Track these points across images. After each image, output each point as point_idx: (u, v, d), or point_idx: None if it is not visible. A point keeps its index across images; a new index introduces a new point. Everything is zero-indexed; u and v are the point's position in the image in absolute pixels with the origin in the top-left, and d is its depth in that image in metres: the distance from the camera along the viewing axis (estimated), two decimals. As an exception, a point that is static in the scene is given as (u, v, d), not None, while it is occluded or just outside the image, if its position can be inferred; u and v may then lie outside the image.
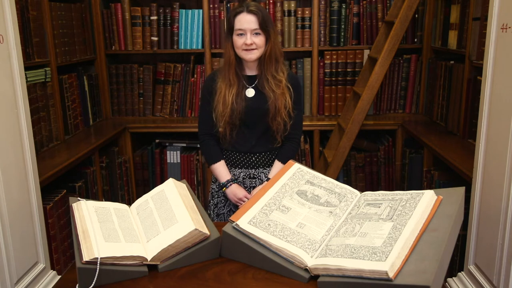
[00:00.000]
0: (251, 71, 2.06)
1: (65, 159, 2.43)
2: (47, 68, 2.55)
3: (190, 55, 3.35)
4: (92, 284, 1.26)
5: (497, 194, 1.74)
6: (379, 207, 1.39)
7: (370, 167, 3.29)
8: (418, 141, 2.81)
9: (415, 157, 2.95)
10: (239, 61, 2.02)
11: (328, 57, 3.25)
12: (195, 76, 3.34)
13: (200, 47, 3.28)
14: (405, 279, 1.11)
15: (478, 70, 2.37)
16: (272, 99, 1.99)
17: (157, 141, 3.42)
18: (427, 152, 2.70)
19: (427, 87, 3.20)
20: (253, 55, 1.96)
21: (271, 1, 3.19)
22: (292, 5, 3.22)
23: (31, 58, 2.44)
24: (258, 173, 2.12)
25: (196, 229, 1.35)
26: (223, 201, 2.16)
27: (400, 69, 3.26)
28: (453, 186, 1.49)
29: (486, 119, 1.82)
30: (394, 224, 1.27)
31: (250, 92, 2.03)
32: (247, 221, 1.38)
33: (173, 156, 3.35)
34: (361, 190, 1.58)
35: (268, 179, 2.09)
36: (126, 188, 3.26)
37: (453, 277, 2.05)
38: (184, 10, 3.26)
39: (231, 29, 1.98)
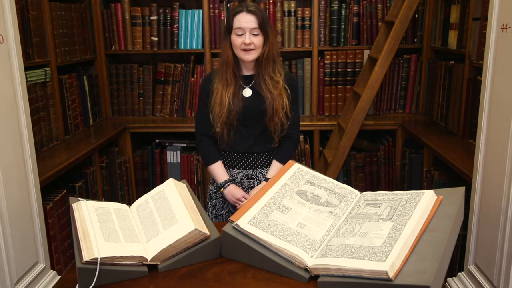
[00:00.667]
0: (248, 71, 2.05)
1: (65, 159, 2.43)
2: (47, 68, 2.55)
3: (190, 55, 3.35)
4: (92, 284, 1.26)
5: (497, 194, 1.74)
6: (379, 207, 1.39)
7: (370, 167, 3.29)
8: (418, 141, 2.81)
9: (415, 157, 2.95)
10: (237, 61, 2.02)
11: (328, 57, 3.25)
12: (195, 76, 3.34)
13: (200, 47, 3.28)
14: (405, 279, 1.11)
15: (478, 70, 2.37)
16: (270, 100, 1.99)
17: (157, 141, 3.42)
18: (427, 152, 2.70)
19: (427, 87, 3.20)
20: (251, 55, 1.96)
21: (271, 1, 3.19)
22: (292, 5, 3.22)
23: (31, 58, 2.44)
24: (256, 174, 2.12)
25: (196, 229, 1.35)
26: (221, 202, 2.16)
27: (400, 69, 3.26)
28: (453, 186, 1.49)
29: (486, 119, 1.82)
30: (394, 224, 1.27)
31: (247, 92, 2.03)
32: (247, 221, 1.38)
33: (173, 156, 3.35)
34: (361, 190, 1.58)
35: (266, 179, 2.09)
36: (126, 188, 3.26)
37: (453, 277, 2.05)
38: (184, 10, 3.26)
39: (229, 28, 1.98)
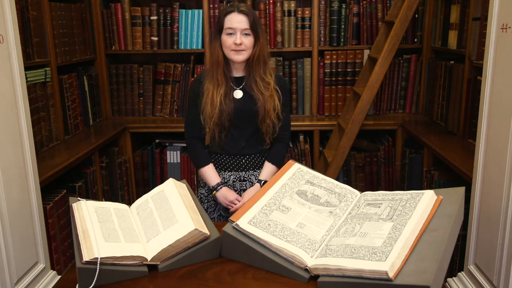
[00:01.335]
0: (238, 73, 2.04)
1: (65, 159, 2.43)
2: (47, 68, 2.55)
3: (190, 55, 3.35)
4: (92, 284, 1.26)
5: (497, 194, 1.74)
6: (379, 207, 1.39)
7: (370, 167, 3.29)
8: (418, 141, 2.81)
9: (415, 157, 2.95)
10: (227, 62, 2.00)
11: (328, 57, 3.25)
12: (195, 76, 3.34)
13: (200, 47, 3.28)
14: (405, 279, 1.11)
15: (478, 70, 2.37)
16: (261, 102, 1.98)
17: (157, 141, 3.42)
18: (427, 152, 2.70)
19: (427, 87, 3.20)
20: (242, 56, 1.95)
21: (271, 1, 3.19)
22: (292, 5, 3.22)
23: (31, 58, 2.44)
24: (248, 176, 2.10)
25: (196, 229, 1.35)
26: (213, 205, 2.14)
27: (400, 69, 3.26)
28: (453, 186, 1.49)
29: (486, 119, 1.82)
30: (394, 224, 1.27)
31: (238, 94, 2.02)
32: (247, 221, 1.38)
33: (173, 156, 3.35)
34: (361, 190, 1.58)
35: (258, 180, 2.07)
36: (126, 188, 3.25)
37: (453, 277, 2.05)
38: (184, 10, 3.26)
39: (220, 28, 1.97)
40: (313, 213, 1.44)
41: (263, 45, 1.98)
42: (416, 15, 3.16)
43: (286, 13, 3.22)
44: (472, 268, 1.95)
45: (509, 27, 1.66)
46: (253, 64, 1.98)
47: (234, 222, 1.39)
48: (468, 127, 2.52)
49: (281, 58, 3.30)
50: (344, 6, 3.20)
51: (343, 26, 3.23)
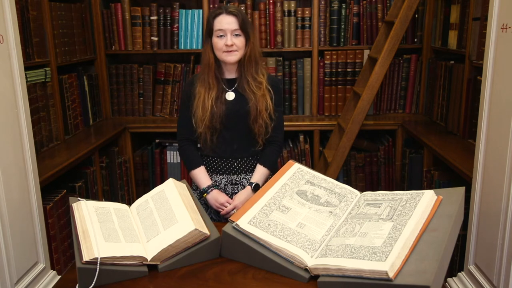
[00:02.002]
0: (230, 74, 2.03)
1: (65, 159, 2.43)
2: (47, 68, 2.55)
3: (190, 55, 3.35)
4: (92, 284, 1.26)
5: (497, 194, 1.74)
6: (379, 207, 1.39)
7: (370, 167, 3.29)
8: (418, 141, 2.81)
9: (415, 157, 2.95)
10: (219, 64, 2.00)
11: (328, 57, 3.25)
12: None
13: (200, 47, 3.28)
14: (405, 279, 1.11)
15: (478, 70, 2.37)
16: (253, 101, 1.97)
17: (157, 141, 3.42)
18: (427, 152, 2.70)
19: (427, 87, 3.20)
20: (234, 57, 1.94)
21: (271, 1, 3.19)
22: (292, 5, 3.22)
23: (31, 58, 2.44)
24: (240, 179, 2.08)
25: (196, 229, 1.35)
26: (204, 208, 2.13)
27: (400, 69, 3.26)
28: (453, 186, 1.49)
29: (486, 119, 1.82)
30: (394, 224, 1.27)
31: (230, 96, 2.01)
32: (247, 221, 1.38)
33: (173, 156, 3.35)
34: (361, 190, 1.58)
35: (251, 183, 2.04)
36: (126, 188, 3.25)
37: (453, 277, 2.05)
38: (184, 10, 3.26)
39: (210, 31, 1.96)
40: (313, 213, 1.44)
41: (254, 44, 1.97)
42: (416, 15, 3.16)
43: (286, 13, 3.22)
44: (472, 268, 1.95)
45: (509, 27, 1.66)
46: (245, 64, 1.97)
47: (234, 222, 1.39)
48: (468, 127, 2.52)
49: (281, 58, 3.30)
50: (344, 6, 3.20)
51: (343, 26, 3.23)
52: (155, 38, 3.29)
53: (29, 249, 1.95)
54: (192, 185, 2.18)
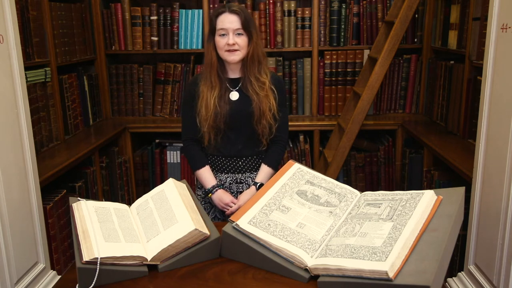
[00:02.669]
0: (234, 74, 2.03)
1: (65, 159, 2.43)
2: (47, 68, 2.55)
3: (190, 55, 3.35)
4: (92, 284, 1.26)
5: (497, 194, 1.74)
6: (379, 207, 1.39)
7: (370, 167, 3.29)
8: (418, 141, 2.81)
9: (415, 157, 2.95)
10: (222, 63, 1.99)
11: (328, 57, 3.25)
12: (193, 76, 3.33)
13: (200, 47, 3.28)
14: (405, 279, 1.11)
15: (478, 70, 2.37)
16: (256, 102, 1.96)
17: (157, 141, 3.42)
18: (427, 152, 2.70)
19: (427, 87, 3.20)
20: (236, 56, 1.93)
21: (271, 1, 3.19)
22: (292, 5, 3.22)
23: (31, 58, 2.44)
24: (245, 178, 2.08)
25: (196, 229, 1.35)
26: (208, 207, 2.13)
27: (400, 69, 3.26)
28: (453, 186, 1.49)
29: (486, 119, 1.82)
30: (394, 224, 1.27)
31: (234, 95, 2.00)
32: (247, 221, 1.38)
33: (173, 156, 3.35)
34: (361, 190, 1.58)
35: (254, 183, 2.05)
36: (126, 188, 3.25)
37: (453, 277, 2.05)
38: (184, 10, 3.26)
39: (213, 30, 1.96)
40: (313, 213, 1.44)
41: (257, 44, 1.96)
42: (416, 15, 3.16)
43: (286, 13, 3.22)
44: (472, 268, 1.95)
45: (509, 27, 1.66)
46: (248, 64, 1.96)
47: (234, 222, 1.39)
48: (468, 127, 2.52)
49: (281, 58, 3.30)
50: (344, 6, 3.20)
51: (343, 26, 3.23)
52: (155, 38, 3.29)
53: (29, 249, 1.95)
54: (197, 183, 2.18)
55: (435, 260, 1.13)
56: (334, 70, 3.28)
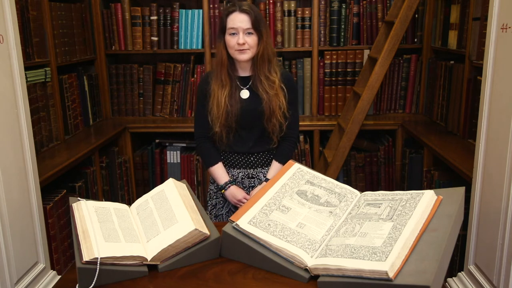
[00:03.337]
0: (244, 72, 2.04)
1: (65, 159, 2.43)
2: (47, 68, 2.55)
3: (190, 55, 3.35)
4: (92, 284, 1.26)
5: (497, 194, 1.74)
6: (379, 207, 1.39)
7: (370, 167, 3.29)
8: (418, 141, 2.81)
9: (415, 157, 2.95)
10: (232, 61, 2.01)
11: (328, 57, 3.25)
12: (195, 76, 3.34)
13: (200, 47, 3.28)
14: (405, 279, 1.11)
15: (478, 70, 2.37)
16: (266, 101, 1.98)
17: (157, 141, 3.42)
18: (427, 152, 2.70)
19: (427, 87, 3.20)
20: (246, 55, 1.94)
21: (271, 1, 3.19)
22: (292, 5, 3.22)
23: (31, 58, 2.44)
24: (256, 173, 2.12)
25: (196, 229, 1.35)
26: (221, 202, 2.16)
27: (400, 69, 3.26)
28: (453, 186, 1.49)
29: (486, 119, 1.82)
30: (394, 224, 1.27)
31: (245, 94, 2.02)
32: (247, 221, 1.38)
33: (173, 156, 3.35)
34: (361, 190, 1.58)
35: (266, 179, 2.09)
36: (126, 188, 3.26)
37: (453, 277, 2.05)
38: (184, 10, 3.26)
39: (223, 28, 1.96)
40: (313, 213, 1.44)
41: (267, 43, 1.97)
42: (416, 15, 3.16)
43: (286, 13, 3.22)
44: (472, 268, 1.95)
45: (509, 27, 1.66)
46: (258, 63, 1.97)
47: (234, 222, 1.39)
48: (468, 127, 2.52)
49: (281, 58, 3.30)
50: (344, 6, 3.20)
51: (343, 26, 3.23)
52: (155, 38, 3.29)
53: (29, 249, 1.95)
54: (210, 178, 2.22)
55: (435, 260, 1.13)
56: (334, 70, 3.28)
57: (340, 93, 3.31)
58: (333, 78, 3.29)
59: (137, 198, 1.63)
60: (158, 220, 1.44)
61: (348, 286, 1.18)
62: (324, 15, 3.21)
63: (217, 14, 3.21)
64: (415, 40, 3.24)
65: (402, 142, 3.14)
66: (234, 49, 1.94)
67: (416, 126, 3.00)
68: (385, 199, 1.42)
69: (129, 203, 1.75)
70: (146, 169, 3.40)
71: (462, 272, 2.02)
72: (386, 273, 1.11)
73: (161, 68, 3.35)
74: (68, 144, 2.74)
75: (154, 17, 3.27)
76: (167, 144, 3.40)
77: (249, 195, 2.09)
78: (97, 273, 1.25)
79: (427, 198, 1.34)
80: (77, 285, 1.27)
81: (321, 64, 3.27)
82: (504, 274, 1.71)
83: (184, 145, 3.38)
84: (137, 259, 1.32)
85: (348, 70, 3.27)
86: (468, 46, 2.51)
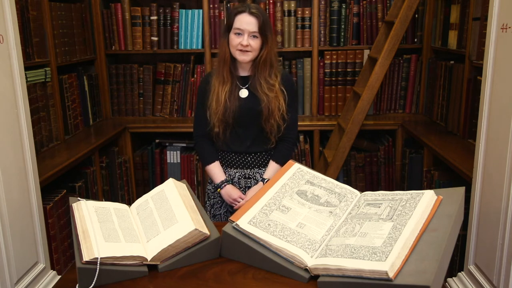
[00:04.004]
0: (244, 72, 2.05)
1: (65, 159, 2.43)
2: (47, 68, 2.55)
3: (190, 55, 3.35)
4: (92, 284, 1.26)
5: (497, 194, 1.74)
6: (379, 207, 1.39)
7: (370, 167, 3.29)
8: (418, 141, 2.81)
9: (415, 157, 2.95)
10: (233, 60, 2.01)
11: (328, 57, 3.25)
12: (195, 76, 3.34)
13: (200, 47, 3.28)
14: (405, 279, 1.11)
15: (478, 70, 2.37)
16: (266, 102, 1.98)
17: (157, 141, 3.42)
18: (427, 152, 2.70)
19: (427, 87, 3.20)
20: (247, 57, 1.95)
21: (271, 1, 3.19)
22: (292, 5, 3.22)
23: (31, 58, 2.44)
24: (253, 173, 2.12)
25: (196, 229, 1.35)
26: (219, 201, 2.16)
27: (400, 69, 3.26)
28: (453, 186, 1.49)
29: (486, 119, 1.82)
30: (394, 224, 1.27)
31: (244, 93, 2.03)
32: (247, 221, 1.38)
33: (173, 156, 3.35)
34: (361, 190, 1.58)
35: (263, 179, 2.09)
36: (126, 188, 3.26)
37: (453, 277, 2.05)
38: (184, 10, 3.26)
39: (229, 26, 1.97)
40: (313, 213, 1.44)
41: (271, 48, 1.98)
42: (416, 15, 3.16)
43: (286, 13, 3.23)
44: (472, 268, 1.95)
45: (509, 27, 1.66)
46: (259, 66, 1.98)
47: (234, 222, 1.39)
48: (468, 127, 2.52)
49: (281, 58, 3.30)
50: (344, 6, 3.20)
51: (343, 26, 3.23)
52: (155, 38, 3.29)
53: (29, 249, 1.95)
54: (208, 178, 2.22)
55: (435, 260, 1.13)
56: (334, 70, 3.28)
57: (340, 93, 3.31)
58: (333, 78, 3.29)
59: (137, 198, 1.63)
60: (158, 220, 1.44)
61: (348, 286, 1.18)
62: (324, 15, 3.21)
63: (217, 14, 3.21)
64: (415, 40, 3.24)
65: (402, 142, 3.14)
66: (236, 48, 1.95)
67: (416, 126, 3.00)
68: (385, 199, 1.42)
69: (129, 203, 1.75)
70: (146, 169, 3.40)
71: (462, 272, 2.02)
72: (386, 273, 1.12)
73: (161, 68, 3.35)
74: (68, 144, 2.74)
75: (154, 17, 3.27)
76: (167, 144, 3.40)
77: (245, 195, 2.09)
78: (97, 273, 1.25)
79: (427, 198, 1.34)
80: (77, 285, 1.27)
81: (321, 64, 3.27)
82: (504, 274, 1.71)
83: (184, 145, 3.38)
84: (137, 259, 1.32)
85: (348, 70, 3.27)
86: (468, 46, 2.51)
